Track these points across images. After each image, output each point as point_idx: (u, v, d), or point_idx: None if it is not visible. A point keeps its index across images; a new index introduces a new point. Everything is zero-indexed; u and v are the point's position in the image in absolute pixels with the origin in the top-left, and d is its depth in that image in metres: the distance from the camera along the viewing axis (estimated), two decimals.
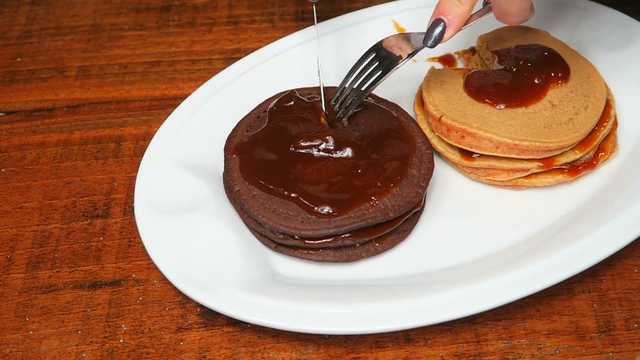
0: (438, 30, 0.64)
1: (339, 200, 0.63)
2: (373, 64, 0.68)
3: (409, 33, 0.69)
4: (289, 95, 0.71)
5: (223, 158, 0.69)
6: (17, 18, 0.93)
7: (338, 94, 0.70)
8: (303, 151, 0.66)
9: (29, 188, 0.74)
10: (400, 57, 0.67)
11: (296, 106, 0.70)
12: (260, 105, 0.74)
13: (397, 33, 0.69)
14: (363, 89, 0.68)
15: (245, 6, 0.93)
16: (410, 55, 0.66)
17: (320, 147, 0.66)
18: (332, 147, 0.66)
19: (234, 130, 0.71)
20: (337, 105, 0.70)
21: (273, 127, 0.69)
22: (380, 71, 0.67)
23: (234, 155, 0.68)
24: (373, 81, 0.67)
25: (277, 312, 0.58)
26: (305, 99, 0.71)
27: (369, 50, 0.69)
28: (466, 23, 0.65)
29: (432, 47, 0.65)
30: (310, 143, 0.66)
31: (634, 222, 0.61)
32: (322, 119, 0.69)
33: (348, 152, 0.66)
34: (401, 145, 0.67)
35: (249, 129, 0.70)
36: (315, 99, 0.71)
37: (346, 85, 0.69)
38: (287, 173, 0.65)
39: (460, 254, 0.65)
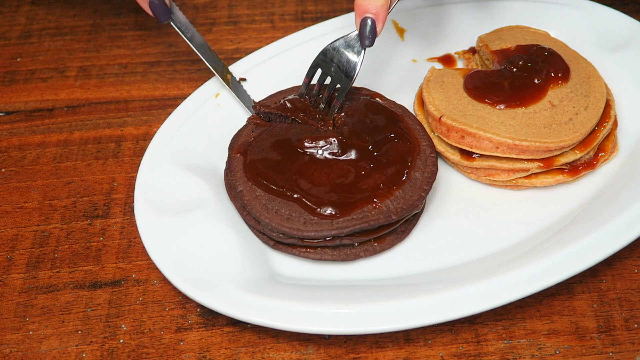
0: (369, 27, 0.64)
1: (341, 201, 0.62)
2: (332, 72, 0.68)
3: (342, 39, 0.68)
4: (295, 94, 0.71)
5: (223, 157, 0.69)
6: (17, 18, 0.93)
7: (307, 91, 0.70)
8: (307, 152, 0.66)
9: (29, 188, 0.74)
10: (356, 63, 0.67)
11: (302, 106, 0.70)
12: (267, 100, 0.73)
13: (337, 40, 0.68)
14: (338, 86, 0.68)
15: (245, 6, 0.93)
16: (360, 60, 0.67)
17: (324, 149, 0.66)
18: (336, 149, 0.65)
19: (240, 130, 0.71)
20: (322, 105, 0.69)
21: (278, 128, 0.68)
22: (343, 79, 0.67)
23: (238, 155, 0.68)
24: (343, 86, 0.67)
25: (277, 312, 0.58)
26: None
27: (316, 62, 0.69)
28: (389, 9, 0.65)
29: (370, 45, 0.65)
30: (314, 144, 0.66)
31: (634, 222, 0.61)
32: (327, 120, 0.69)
33: (352, 153, 0.65)
34: (405, 147, 0.67)
35: (254, 129, 0.70)
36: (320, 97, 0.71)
37: (316, 85, 0.69)
38: (290, 174, 0.65)
39: (460, 254, 0.65)
